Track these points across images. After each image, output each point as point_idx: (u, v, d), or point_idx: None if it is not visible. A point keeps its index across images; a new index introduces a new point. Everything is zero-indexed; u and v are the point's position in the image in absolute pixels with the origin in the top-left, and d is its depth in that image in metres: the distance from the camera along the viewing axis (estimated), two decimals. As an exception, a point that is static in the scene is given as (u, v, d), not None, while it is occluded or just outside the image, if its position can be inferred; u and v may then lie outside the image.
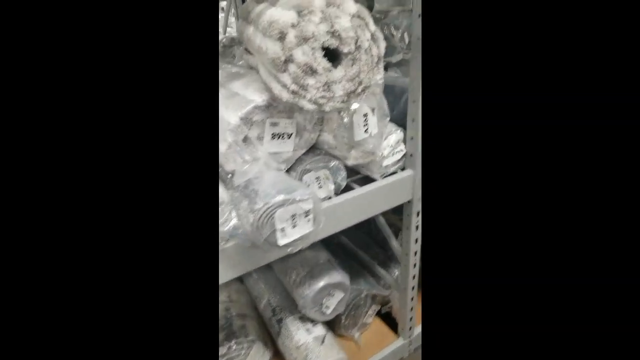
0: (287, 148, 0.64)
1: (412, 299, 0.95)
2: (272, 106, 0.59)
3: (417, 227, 0.85)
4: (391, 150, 0.75)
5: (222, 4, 1.62)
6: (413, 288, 0.94)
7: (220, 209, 0.54)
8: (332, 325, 0.99)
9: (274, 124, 0.60)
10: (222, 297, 1.00)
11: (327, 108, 0.55)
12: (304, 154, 0.68)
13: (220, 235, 0.55)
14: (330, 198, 0.69)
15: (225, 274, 0.60)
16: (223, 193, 0.57)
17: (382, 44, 0.56)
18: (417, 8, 0.63)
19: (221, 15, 1.60)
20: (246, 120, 0.57)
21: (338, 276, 0.90)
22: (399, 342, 1.01)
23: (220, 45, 1.01)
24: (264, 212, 0.52)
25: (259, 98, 0.58)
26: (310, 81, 0.53)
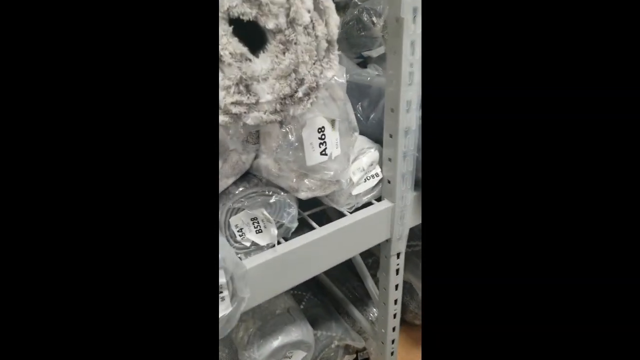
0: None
1: (392, 351, 0.77)
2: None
3: (396, 271, 0.66)
4: (363, 175, 0.55)
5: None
6: (394, 329, 0.76)
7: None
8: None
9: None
10: None
11: (249, 120, 0.34)
12: (233, 184, 0.47)
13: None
14: (273, 246, 0.48)
15: None
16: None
17: (334, 20, 0.34)
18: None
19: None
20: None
21: (297, 332, 0.71)
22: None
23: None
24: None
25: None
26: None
